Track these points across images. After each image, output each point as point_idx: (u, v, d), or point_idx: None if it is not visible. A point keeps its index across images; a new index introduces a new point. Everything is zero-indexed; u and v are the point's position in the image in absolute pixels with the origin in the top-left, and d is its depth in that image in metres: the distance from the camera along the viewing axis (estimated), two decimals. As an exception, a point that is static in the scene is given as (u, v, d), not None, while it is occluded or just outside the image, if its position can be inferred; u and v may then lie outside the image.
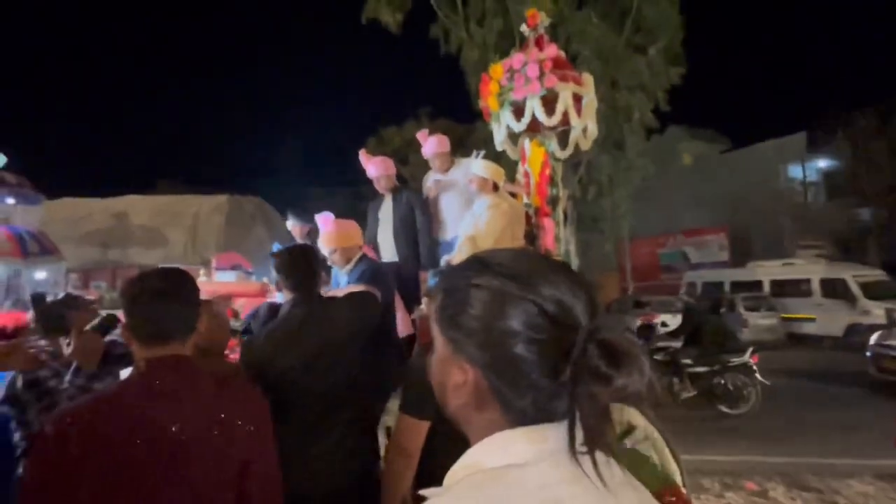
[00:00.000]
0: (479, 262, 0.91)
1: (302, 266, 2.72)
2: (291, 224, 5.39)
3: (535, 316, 0.84)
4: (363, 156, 5.39)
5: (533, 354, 0.84)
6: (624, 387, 0.80)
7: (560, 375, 0.82)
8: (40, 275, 15.80)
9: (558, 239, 5.79)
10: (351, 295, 2.87)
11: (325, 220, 4.44)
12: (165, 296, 1.80)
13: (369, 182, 5.46)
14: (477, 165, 5.09)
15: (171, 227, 27.30)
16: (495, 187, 5.13)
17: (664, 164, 25.79)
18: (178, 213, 27.45)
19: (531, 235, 5.85)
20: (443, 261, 4.59)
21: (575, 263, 15.36)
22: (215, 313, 2.56)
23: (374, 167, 5.26)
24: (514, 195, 5.69)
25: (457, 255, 4.50)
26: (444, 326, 0.92)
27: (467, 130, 24.42)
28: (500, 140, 6.21)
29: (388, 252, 5.09)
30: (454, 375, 0.90)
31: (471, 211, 5.09)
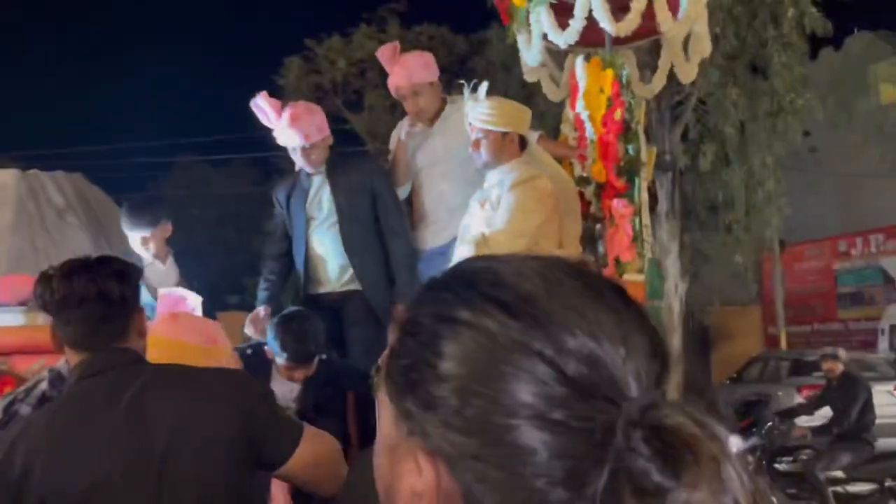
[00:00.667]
0: (462, 280, 0.64)
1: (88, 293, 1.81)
2: (128, 228, 3.57)
3: (549, 381, 0.59)
4: (267, 105, 3.56)
5: (542, 447, 0.58)
6: None
7: (586, 485, 0.57)
8: None
9: (638, 239, 3.45)
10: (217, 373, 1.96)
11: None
12: None
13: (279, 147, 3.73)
14: (481, 108, 3.35)
15: None
16: (522, 144, 3.42)
17: (843, 103, 14.57)
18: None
19: (589, 234, 3.63)
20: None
21: (676, 287, 11.90)
22: None
23: (299, 130, 3.56)
24: (562, 162, 3.82)
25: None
26: (395, 390, 0.65)
27: (471, 45, 16.67)
28: (531, 61, 3.95)
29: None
30: (407, 476, 0.64)
31: (480, 191, 3.46)
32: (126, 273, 1.88)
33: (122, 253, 3.23)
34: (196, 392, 1.84)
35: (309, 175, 3.70)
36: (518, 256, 0.67)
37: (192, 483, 1.76)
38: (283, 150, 3.75)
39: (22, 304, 3.33)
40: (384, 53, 3.73)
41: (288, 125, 3.53)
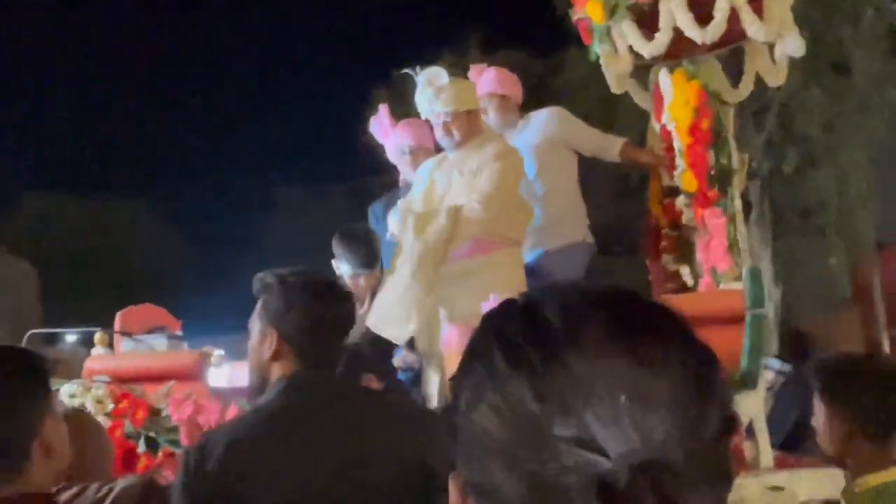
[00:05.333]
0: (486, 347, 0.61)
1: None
2: (349, 264, 3.45)
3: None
4: (385, 113, 3.93)
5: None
6: None
7: None
8: None
9: (734, 247, 3.25)
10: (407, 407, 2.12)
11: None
12: None
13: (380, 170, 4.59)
14: (445, 94, 3.40)
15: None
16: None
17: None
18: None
19: (683, 244, 3.36)
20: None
21: (770, 294, 11.04)
22: (86, 429, 2.06)
23: (404, 134, 3.90)
24: (649, 172, 3.97)
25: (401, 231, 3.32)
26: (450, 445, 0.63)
27: (550, 67, 15.81)
28: (616, 75, 3.78)
29: None
30: None
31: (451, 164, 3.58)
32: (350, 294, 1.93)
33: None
34: (389, 419, 1.83)
35: (405, 188, 3.79)
36: (547, 292, 0.63)
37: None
38: (379, 174, 3.88)
39: (149, 332, 3.43)
40: (477, 73, 3.81)
41: (400, 128, 3.84)
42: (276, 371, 1.75)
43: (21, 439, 1.46)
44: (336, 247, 3.44)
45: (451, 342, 3.02)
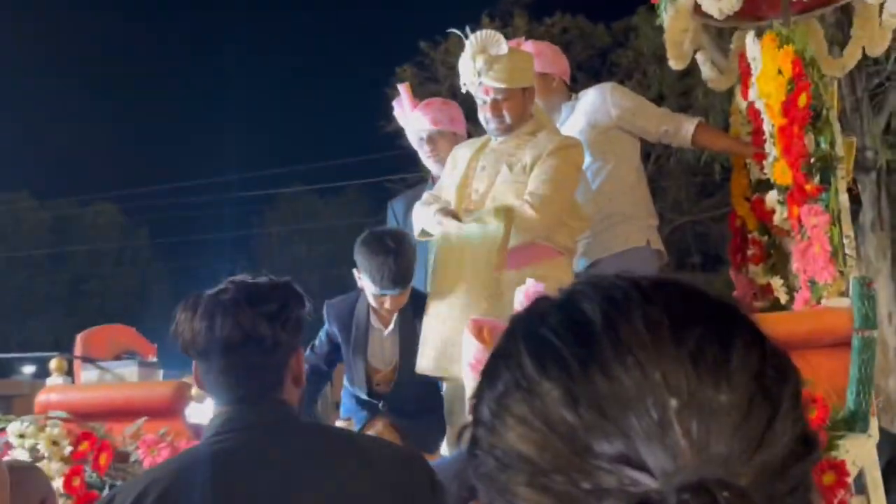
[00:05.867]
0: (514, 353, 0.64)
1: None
2: (368, 285, 3.45)
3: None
4: (405, 93, 4.05)
5: None
6: None
7: None
8: None
9: (838, 254, 3.23)
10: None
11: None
12: None
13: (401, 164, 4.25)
14: (498, 65, 3.37)
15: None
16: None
17: None
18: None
19: (776, 250, 3.58)
20: None
21: (891, 316, 11.00)
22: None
23: (423, 117, 3.99)
24: (733, 162, 4.02)
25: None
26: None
27: (613, 36, 16.18)
28: (675, 39, 3.78)
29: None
30: None
31: (497, 154, 3.58)
32: (282, 310, 1.81)
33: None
34: (355, 463, 1.81)
35: (434, 184, 3.85)
36: (588, 284, 0.65)
37: None
38: (401, 171, 4.00)
39: (117, 358, 3.51)
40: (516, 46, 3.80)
41: (419, 110, 3.94)
42: None
43: None
44: (357, 255, 3.41)
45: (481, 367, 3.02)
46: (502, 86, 3.37)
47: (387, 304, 3.43)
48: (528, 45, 3.97)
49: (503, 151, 3.48)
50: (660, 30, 4.13)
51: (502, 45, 3.41)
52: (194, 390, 3.50)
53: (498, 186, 3.43)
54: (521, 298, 2.65)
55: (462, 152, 3.63)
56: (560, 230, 3.44)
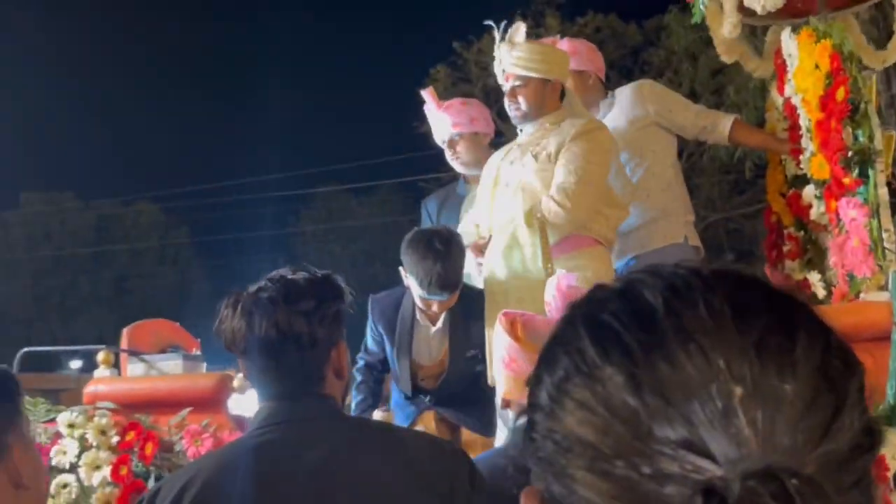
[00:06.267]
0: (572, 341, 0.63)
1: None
2: (416, 288, 3.39)
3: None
4: (429, 97, 4.04)
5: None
6: None
7: None
8: None
9: (878, 247, 3.22)
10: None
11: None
12: None
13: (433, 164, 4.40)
14: (518, 52, 3.47)
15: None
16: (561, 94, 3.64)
17: None
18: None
19: (813, 245, 3.55)
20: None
21: None
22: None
23: (444, 119, 3.98)
24: (768, 158, 3.97)
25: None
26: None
27: (645, 34, 16.53)
28: (725, 35, 3.69)
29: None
30: None
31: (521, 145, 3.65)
32: (319, 307, 1.81)
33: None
34: (395, 457, 1.82)
35: (466, 182, 3.91)
36: (642, 278, 0.64)
37: None
38: (434, 171, 4.02)
39: (161, 352, 3.56)
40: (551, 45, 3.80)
41: (442, 111, 3.94)
42: None
43: None
44: (404, 256, 3.35)
45: (519, 365, 2.99)
46: (518, 73, 3.43)
47: (434, 308, 3.42)
48: (564, 44, 3.98)
49: (529, 143, 3.52)
50: (691, 28, 4.11)
51: (521, 33, 3.49)
52: (236, 382, 3.56)
53: (525, 177, 3.45)
54: (551, 290, 2.58)
55: (493, 159, 3.69)
56: (596, 219, 3.43)
